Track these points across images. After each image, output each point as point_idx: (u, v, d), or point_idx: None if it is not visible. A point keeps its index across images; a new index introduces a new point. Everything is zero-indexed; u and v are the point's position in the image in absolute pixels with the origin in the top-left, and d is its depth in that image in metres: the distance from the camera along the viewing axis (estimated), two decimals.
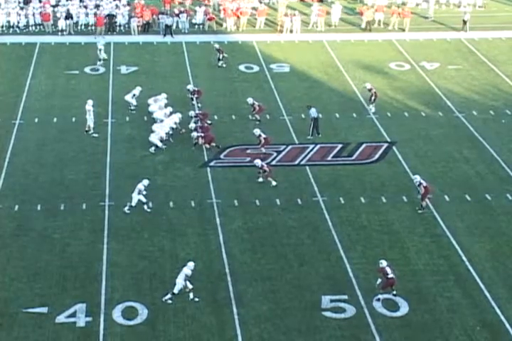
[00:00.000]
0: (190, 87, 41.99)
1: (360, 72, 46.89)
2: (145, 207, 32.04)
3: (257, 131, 36.77)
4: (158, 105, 39.89)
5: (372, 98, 41.11)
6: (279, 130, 39.10)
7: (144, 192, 31.94)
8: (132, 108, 40.54)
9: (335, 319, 26.52)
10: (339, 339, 25.66)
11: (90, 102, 38.60)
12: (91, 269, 28.69)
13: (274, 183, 34.33)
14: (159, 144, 36.91)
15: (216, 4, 56.07)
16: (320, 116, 38.90)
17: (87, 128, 38.23)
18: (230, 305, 26.99)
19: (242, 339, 25.51)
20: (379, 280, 27.32)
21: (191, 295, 26.91)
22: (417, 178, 32.82)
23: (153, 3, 55.37)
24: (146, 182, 32.32)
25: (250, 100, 40.26)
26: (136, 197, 31.84)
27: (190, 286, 26.92)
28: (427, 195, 32.60)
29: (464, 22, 53.14)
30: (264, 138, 36.53)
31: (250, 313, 26.66)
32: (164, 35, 51.98)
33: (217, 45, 47.83)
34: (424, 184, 32.43)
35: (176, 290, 26.82)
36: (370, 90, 41.13)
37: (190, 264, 27.18)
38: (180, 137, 37.81)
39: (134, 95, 40.74)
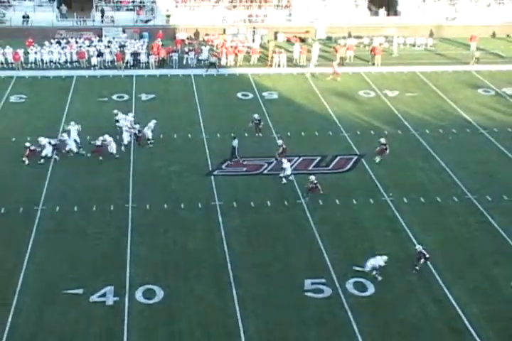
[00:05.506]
0: (256, 115, 40.88)
1: (334, 98, 46.89)
2: None
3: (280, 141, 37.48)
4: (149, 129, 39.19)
5: (379, 150, 37.20)
6: (270, 146, 38.96)
7: None
8: (149, 142, 38.81)
9: (315, 298, 26.57)
10: (319, 314, 25.71)
11: (72, 123, 38.52)
12: (118, 258, 28.69)
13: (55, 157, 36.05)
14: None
15: (220, 44, 55.96)
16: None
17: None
18: (230, 287, 27.02)
19: (241, 315, 25.50)
20: (421, 260, 27.99)
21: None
22: (312, 178, 33.15)
23: (168, 44, 55.43)
24: None
25: (256, 116, 40.38)
26: None
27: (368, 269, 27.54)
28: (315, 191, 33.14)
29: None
30: (284, 148, 36.93)
31: (247, 294, 26.69)
32: (207, 69, 51.68)
33: (256, 115, 41.13)
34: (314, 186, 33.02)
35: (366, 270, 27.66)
36: (384, 144, 37.26)
37: (383, 258, 27.49)
38: (190, 150, 37.98)
39: (150, 127, 38.89)
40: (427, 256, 27.94)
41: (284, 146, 37.06)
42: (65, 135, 38.11)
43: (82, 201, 33.10)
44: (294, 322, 25.31)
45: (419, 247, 28.18)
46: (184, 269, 28.03)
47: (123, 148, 37.99)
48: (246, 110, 44.37)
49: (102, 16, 59.70)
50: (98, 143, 37.12)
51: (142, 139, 38.70)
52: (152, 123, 39.38)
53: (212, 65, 51.94)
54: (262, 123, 40.67)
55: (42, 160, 36.54)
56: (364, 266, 27.61)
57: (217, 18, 60.52)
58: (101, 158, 36.97)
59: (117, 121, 39.89)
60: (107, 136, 37.32)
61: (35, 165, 36.27)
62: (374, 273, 27.45)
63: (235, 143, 37.36)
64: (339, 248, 29.80)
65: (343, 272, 28.02)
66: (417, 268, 28.06)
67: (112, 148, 37.16)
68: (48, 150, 36.78)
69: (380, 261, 27.36)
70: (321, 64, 53.39)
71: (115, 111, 40.80)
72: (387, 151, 37.31)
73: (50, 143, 36.98)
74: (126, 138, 38.43)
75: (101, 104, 45.01)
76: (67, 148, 37.50)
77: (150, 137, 38.95)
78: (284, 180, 34.79)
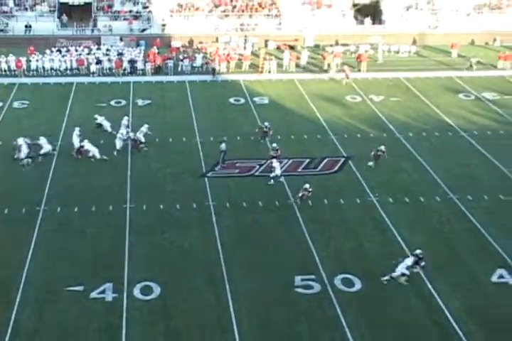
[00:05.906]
0: (267, 123, 40.58)
1: (322, 103, 46.94)
2: None
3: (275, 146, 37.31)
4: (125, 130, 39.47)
5: (375, 155, 37.15)
6: (261, 148, 39.04)
7: None
8: (143, 145, 38.50)
9: (305, 294, 26.59)
10: (309, 309, 25.73)
11: (77, 129, 38.65)
12: (116, 257, 28.65)
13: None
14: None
15: (213, 51, 55.95)
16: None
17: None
18: (224, 284, 26.98)
19: (234, 310, 25.50)
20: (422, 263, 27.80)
21: (402, 279, 27.04)
22: (307, 186, 32.85)
23: (163, 52, 55.38)
24: None
25: (267, 123, 40.34)
26: None
27: (406, 272, 26.93)
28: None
29: None
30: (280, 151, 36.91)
31: (240, 290, 26.67)
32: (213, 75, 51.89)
33: (266, 123, 40.76)
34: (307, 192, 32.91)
35: (393, 275, 27.02)
36: (383, 152, 37.17)
37: (410, 259, 27.23)
38: (185, 153, 37.94)
39: (142, 132, 38.80)
40: (422, 258, 27.86)
41: (278, 149, 37.02)
42: (41, 138, 38.03)
43: (82, 202, 33.00)
44: (285, 317, 25.30)
45: (420, 252, 27.92)
46: (180, 267, 27.98)
47: (115, 152, 37.80)
48: (238, 115, 44.43)
49: (95, 25, 59.81)
50: (82, 144, 37.36)
51: (138, 144, 38.56)
52: (144, 128, 39.34)
53: (213, 70, 52.00)
54: (271, 130, 40.39)
55: (39, 158, 36.68)
56: (395, 271, 27.21)
57: (210, 27, 60.60)
58: (80, 156, 37.14)
59: (100, 125, 40.55)
60: (86, 142, 37.36)
61: (37, 167, 36.25)
62: (404, 278, 27.13)
63: (223, 146, 37.32)
64: (328, 246, 29.79)
65: (331, 269, 28.02)
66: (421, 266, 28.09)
67: (94, 152, 37.09)
68: (25, 151, 36.76)
69: (407, 262, 27.14)
70: (310, 70, 53.60)
71: (95, 116, 41.07)
72: (381, 158, 37.20)
73: (26, 142, 37.13)
74: (118, 143, 38.23)
75: (99, 110, 44.84)
76: (41, 152, 37.38)
77: (143, 140, 38.88)
78: (272, 181, 34.77)
